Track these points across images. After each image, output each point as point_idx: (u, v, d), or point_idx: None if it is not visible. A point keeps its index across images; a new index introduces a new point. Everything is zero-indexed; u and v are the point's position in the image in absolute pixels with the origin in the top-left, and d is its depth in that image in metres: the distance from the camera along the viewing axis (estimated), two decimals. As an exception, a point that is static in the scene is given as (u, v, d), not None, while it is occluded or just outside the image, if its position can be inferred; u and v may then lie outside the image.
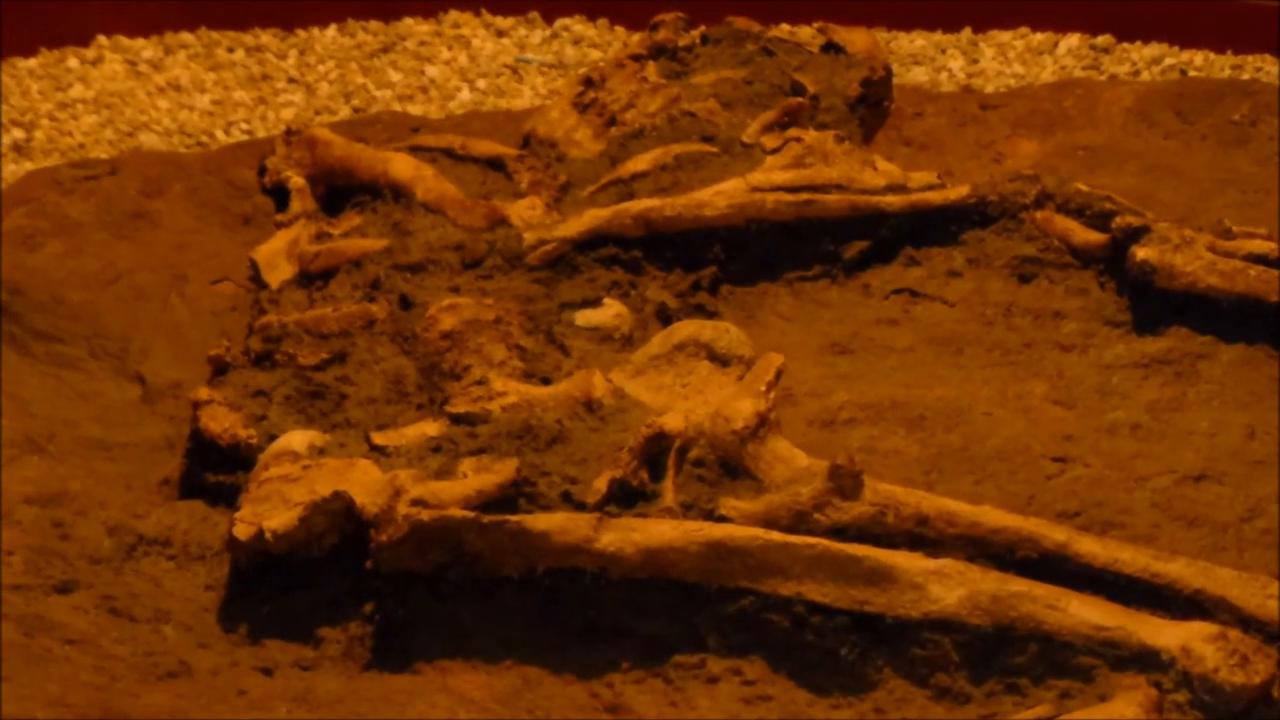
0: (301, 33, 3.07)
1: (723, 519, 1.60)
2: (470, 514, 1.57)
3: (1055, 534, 1.68)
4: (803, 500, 1.62)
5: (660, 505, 1.60)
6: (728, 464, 1.66)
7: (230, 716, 1.62)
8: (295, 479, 1.67)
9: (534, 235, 2.08)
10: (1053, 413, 2.04)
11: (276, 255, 2.10)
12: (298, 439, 1.74)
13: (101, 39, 3.06)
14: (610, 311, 2.03)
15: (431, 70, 3.05)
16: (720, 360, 1.80)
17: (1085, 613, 1.57)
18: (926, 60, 3.08)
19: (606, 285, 2.03)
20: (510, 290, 1.97)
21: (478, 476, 1.65)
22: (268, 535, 1.61)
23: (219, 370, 1.95)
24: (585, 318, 2.00)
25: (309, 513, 1.60)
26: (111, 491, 1.93)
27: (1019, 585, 1.59)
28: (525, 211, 2.10)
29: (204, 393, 1.90)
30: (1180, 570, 1.66)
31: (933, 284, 2.20)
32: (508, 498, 1.61)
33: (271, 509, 1.64)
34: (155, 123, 2.85)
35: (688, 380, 1.79)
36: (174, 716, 1.62)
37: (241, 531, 1.63)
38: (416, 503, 1.58)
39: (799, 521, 1.60)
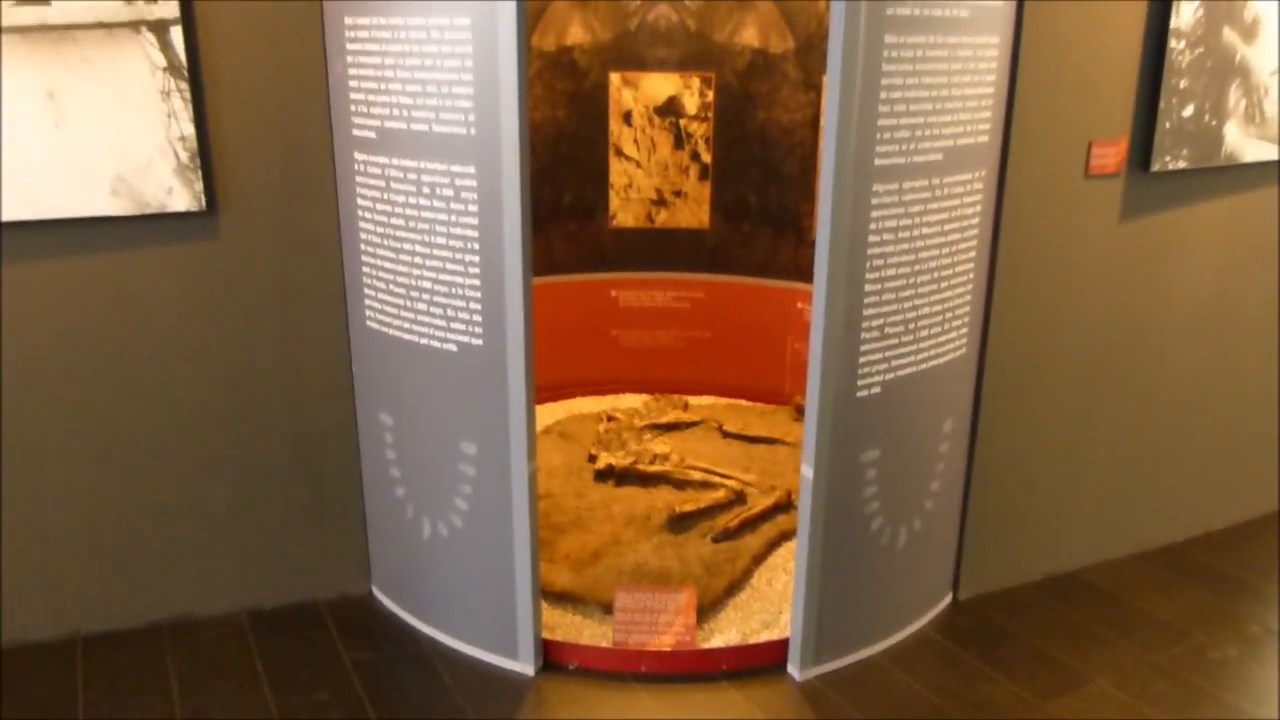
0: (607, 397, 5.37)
1: (660, 457, 4.57)
2: (629, 464, 4.66)
3: (698, 465, 4.78)
4: (669, 455, 4.78)
5: (659, 458, 4.72)
6: (660, 456, 4.72)
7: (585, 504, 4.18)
8: (604, 460, 4.73)
9: (640, 423, 5.14)
10: (724, 446, 5.12)
11: (601, 429, 5.10)
12: (604, 455, 4.76)
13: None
14: (657, 438, 5.11)
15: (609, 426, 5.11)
16: (664, 442, 5.07)
17: (703, 475, 4.54)
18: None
19: (656, 432, 5.18)
20: (636, 430, 5.15)
21: (628, 457, 4.74)
22: (600, 466, 4.76)
23: (594, 444, 4.95)
24: (651, 435, 5.12)
25: (604, 465, 4.69)
26: (568, 479, 4.67)
27: (690, 473, 4.62)
28: (638, 421, 5.20)
29: (593, 449, 4.86)
30: (732, 472, 4.60)
31: (700, 433, 5.31)
32: (636, 461, 4.64)
33: (601, 462, 4.74)
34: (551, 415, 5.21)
35: (660, 443, 5.03)
36: (580, 517, 4.13)
37: (597, 465, 4.83)
38: (620, 464, 4.64)
39: (669, 458, 4.67)
